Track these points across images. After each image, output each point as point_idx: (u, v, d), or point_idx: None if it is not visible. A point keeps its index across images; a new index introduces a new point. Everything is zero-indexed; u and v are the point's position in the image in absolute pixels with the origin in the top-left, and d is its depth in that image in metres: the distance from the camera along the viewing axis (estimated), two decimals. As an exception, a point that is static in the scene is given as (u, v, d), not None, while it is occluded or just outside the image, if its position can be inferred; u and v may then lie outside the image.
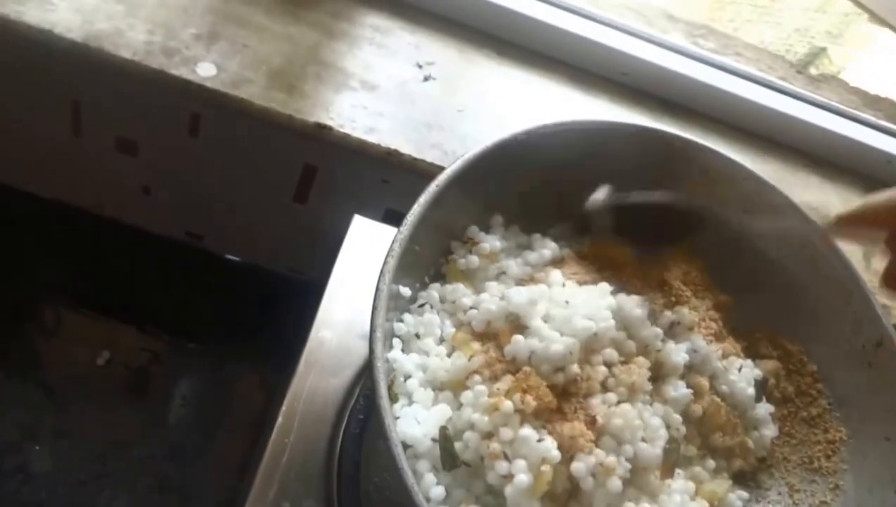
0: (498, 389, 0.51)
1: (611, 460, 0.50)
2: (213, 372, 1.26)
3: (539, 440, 0.50)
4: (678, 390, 0.57)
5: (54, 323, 1.24)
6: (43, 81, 0.95)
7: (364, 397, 0.69)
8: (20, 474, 1.11)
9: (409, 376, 0.53)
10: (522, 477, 0.48)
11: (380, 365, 0.47)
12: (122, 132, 1.00)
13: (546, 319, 0.55)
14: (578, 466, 0.50)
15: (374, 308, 0.49)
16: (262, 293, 1.20)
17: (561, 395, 0.53)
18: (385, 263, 0.51)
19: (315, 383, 0.70)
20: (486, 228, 0.62)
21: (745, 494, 0.58)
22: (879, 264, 0.55)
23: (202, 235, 1.17)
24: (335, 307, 0.75)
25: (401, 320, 0.57)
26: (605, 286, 0.58)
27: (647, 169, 0.62)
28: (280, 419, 0.67)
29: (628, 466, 0.52)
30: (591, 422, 0.52)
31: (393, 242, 0.52)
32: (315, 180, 0.99)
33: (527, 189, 0.62)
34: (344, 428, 0.69)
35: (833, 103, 1.08)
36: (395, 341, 0.55)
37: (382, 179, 0.95)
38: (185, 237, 1.17)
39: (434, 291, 0.59)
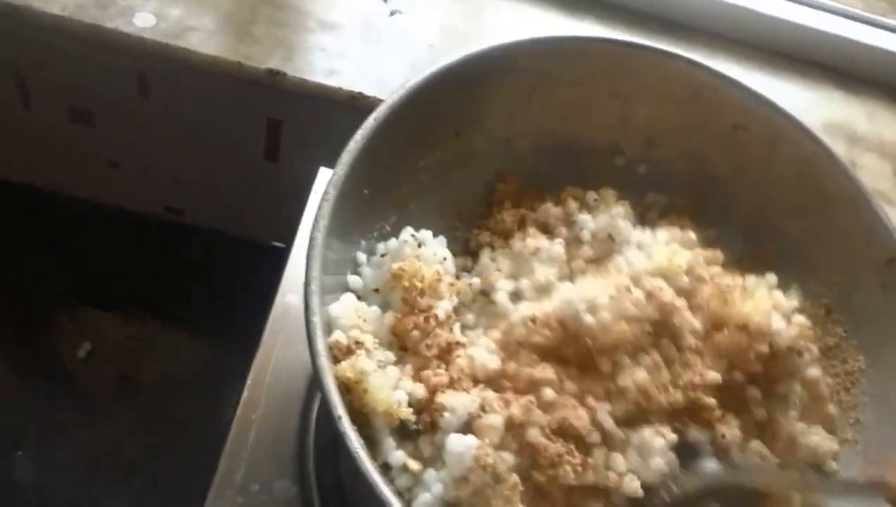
0: None
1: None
2: (206, 357, 1.24)
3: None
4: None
5: (26, 315, 1.21)
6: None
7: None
8: (2, 483, 1.08)
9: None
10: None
11: (316, 320, 0.45)
12: (73, 101, 0.97)
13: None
14: None
15: (309, 258, 0.47)
16: (252, 267, 1.16)
17: None
18: (320, 207, 0.48)
19: (282, 352, 0.67)
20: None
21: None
22: None
23: (181, 208, 1.14)
24: (302, 269, 0.72)
25: (356, 274, 0.54)
26: None
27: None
28: (245, 394, 0.65)
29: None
30: None
31: (328, 184, 0.49)
32: (282, 136, 0.96)
33: (492, 122, 0.59)
34: (319, 401, 0.66)
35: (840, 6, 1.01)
36: (348, 295, 0.52)
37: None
38: (165, 212, 1.14)
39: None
